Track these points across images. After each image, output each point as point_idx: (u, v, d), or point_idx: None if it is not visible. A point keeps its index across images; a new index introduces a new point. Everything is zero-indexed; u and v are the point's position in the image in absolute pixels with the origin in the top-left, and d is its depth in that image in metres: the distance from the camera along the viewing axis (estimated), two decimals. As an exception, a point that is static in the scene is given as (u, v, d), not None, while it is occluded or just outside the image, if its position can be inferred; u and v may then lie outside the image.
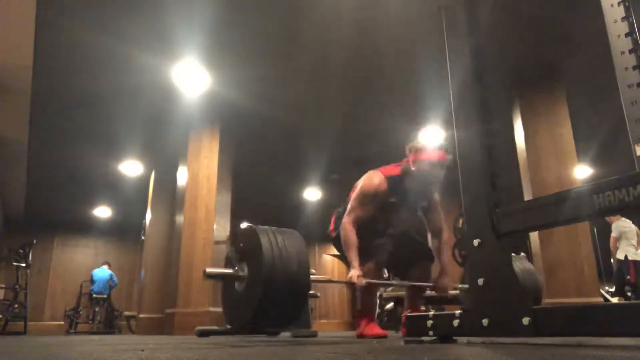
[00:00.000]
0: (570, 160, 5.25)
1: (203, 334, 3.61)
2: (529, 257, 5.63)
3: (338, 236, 2.97)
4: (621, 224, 6.23)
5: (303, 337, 3.22)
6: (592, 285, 4.91)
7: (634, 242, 6.15)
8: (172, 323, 5.75)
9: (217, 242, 6.02)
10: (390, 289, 5.85)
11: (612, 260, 6.52)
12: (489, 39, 1.48)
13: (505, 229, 1.43)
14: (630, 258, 6.06)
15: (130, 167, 8.48)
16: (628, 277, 6.03)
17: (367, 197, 2.76)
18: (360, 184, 2.83)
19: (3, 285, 8.98)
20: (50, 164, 8.23)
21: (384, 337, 2.67)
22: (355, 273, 2.59)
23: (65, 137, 7.30)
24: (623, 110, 1.19)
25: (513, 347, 1.37)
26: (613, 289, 6.74)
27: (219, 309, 5.12)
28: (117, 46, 5.03)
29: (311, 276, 2.22)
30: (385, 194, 2.76)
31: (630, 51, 1.21)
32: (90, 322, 10.13)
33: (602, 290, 6.29)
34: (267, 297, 2.00)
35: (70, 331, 9.89)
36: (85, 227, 12.27)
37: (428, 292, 3.03)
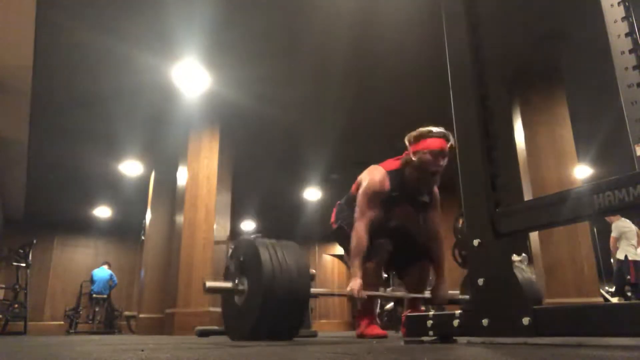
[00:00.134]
0: (570, 160, 5.25)
1: (203, 334, 3.62)
2: (529, 257, 5.63)
3: (339, 228, 2.95)
4: (621, 224, 6.23)
5: (303, 337, 3.22)
6: (592, 285, 4.91)
7: (634, 242, 6.15)
8: (172, 323, 5.75)
9: (217, 242, 6.02)
10: (390, 288, 5.85)
11: (612, 260, 6.52)
12: (489, 39, 1.49)
13: (505, 229, 1.43)
14: (630, 258, 6.06)
15: (130, 167, 8.49)
16: (628, 277, 6.04)
17: (373, 196, 2.67)
18: (364, 183, 2.73)
19: (3, 285, 8.97)
20: (50, 164, 8.23)
21: (384, 337, 2.66)
22: (356, 285, 2.53)
23: (65, 137, 7.30)
24: (623, 110, 1.19)
25: (513, 347, 1.37)
26: (613, 289, 6.74)
27: (219, 309, 5.12)
28: (117, 46, 5.03)
29: (311, 289, 2.22)
30: (389, 189, 2.69)
31: (630, 51, 1.21)
32: (90, 322, 10.14)
33: (602, 290, 6.29)
34: (267, 310, 2.00)
35: (70, 331, 9.90)
36: (85, 227, 12.28)
37: (427, 293, 3.02)
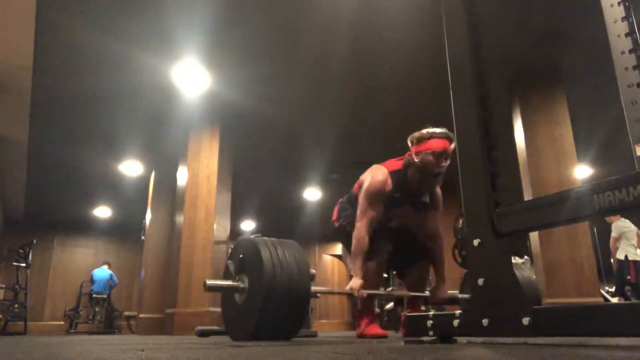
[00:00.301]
0: (570, 160, 5.25)
1: (203, 334, 3.62)
2: (530, 258, 5.63)
3: (341, 226, 2.96)
4: (621, 224, 6.23)
5: (303, 337, 3.22)
6: (592, 285, 4.91)
7: (634, 242, 6.15)
8: (172, 323, 5.75)
9: (217, 242, 6.02)
10: (390, 288, 5.86)
11: (612, 260, 6.52)
12: (489, 39, 1.49)
13: (505, 229, 1.43)
14: (630, 258, 6.06)
15: (130, 167, 8.49)
16: (628, 277, 6.04)
17: (375, 196, 2.67)
18: (366, 183, 2.73)
19: (3, 285, 8.99)
20: (50, 164, 8.23)
21: (384, 337, 2.66)
22: (356, 284, 2.54)
23: (65, 137, 7.30)
24: (623, 110, 1.19)
25: (513, 347, 1.37)
26: (613, 289, 6.75)
27: (219, 309, 5.12)
28: (117, 46, 5.03)
29: (312, 287, 2.22)
30: (391, 190, 2.69)
31: (630, 51, 1.21)
32: (90, 322, 10.14)
33: (602, 290, 6.29)
34: (268, 308, 2.00)
35: (70, 331, 9.90)
36: (85, 227, 12.28)
37: (427, 293, 3.02)
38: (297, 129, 7.15)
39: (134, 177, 8.82)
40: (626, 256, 6.08)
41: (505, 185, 1.53)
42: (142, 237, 8.42)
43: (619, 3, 1.25)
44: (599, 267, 6.72)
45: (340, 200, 3.10)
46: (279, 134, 7.33)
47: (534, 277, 4.52)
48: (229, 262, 2.33)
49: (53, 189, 9.70)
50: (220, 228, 6.17)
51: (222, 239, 6.16)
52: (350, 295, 2.64)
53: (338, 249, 13.88)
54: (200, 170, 6.21)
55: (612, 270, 6.49)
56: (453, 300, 3.16)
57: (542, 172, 5.23)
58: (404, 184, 2.71)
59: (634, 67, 1.19)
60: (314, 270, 2.58)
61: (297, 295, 2.08)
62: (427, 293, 2.94)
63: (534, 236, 5.25)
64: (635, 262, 6.05)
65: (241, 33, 4.97)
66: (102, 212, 11.52)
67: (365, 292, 2.55)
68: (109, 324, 10.28)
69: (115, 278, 10.83)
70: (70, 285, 11.70)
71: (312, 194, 10.24)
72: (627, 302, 4.74)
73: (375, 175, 2.72)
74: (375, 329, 2.78)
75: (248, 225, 12.81)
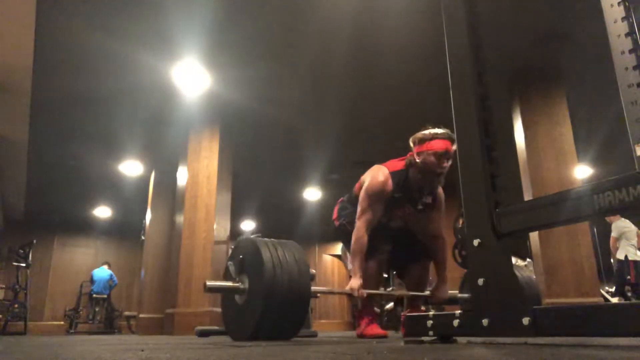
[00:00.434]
0: (570, 160, 5.25)
1: (203, 334, 3.62)
2: (531, 259, 5.63)
3: (341, 225, 2.96)
4: (621, 224, 6.23)
5: (303, 337, 3.22)
6: (592, 285, 4.91)
7: (634, 242, 6.16)
8: (172, 323, 5.75)
9: (217, 242, 6.02)
10: (390, 288, 5.86)
11: (612, 260, 6.53)
12: (489, 39, 1.48)
13: (505, 229, 1.43)
14: (630, 258, 6.06)
15: (130, 167, 8.49)
16: (628, 277, 6.04)
17: (375, 196, 2.67)
18: (367, 183, 2.73)
19: (3, 285, 8.99)
20: (50, 164, 8.24)
21: (384, 337, 2.66)
22: (356, 284, 2.54)
23: (65, 137, 7.30)
24: (623, 111, 1.19)
25: (513, 347, 1.37)
26: (613, 289, 6.75)
27: (219, 309, 5.13)
28: (117, 46, 5.03)
29: (312, 288, 2.22)
30: (391, 190, 2.69)
31: (630, 51, 1.21)
32: (90, 322, 10.15)
33: (602, 290, 6.29)
34: (268, 308, 2.00)
35: (70, 331, 9.90)
36: (85, 227, 12.28)
37: (428, 292, 3.02)
38: (297, 129, 7.15)
39: (134, 177, 8.82)
40: (626, 256, 6.08)
41: (505, 185, 1.53)
42: (142, 237, 8.42)
43: (619, 3, 1.25)
44: (599, 267, 6.72)
45: (341, 199, 3.10)
46: (279, 134, 7.33)
47: (534, 277, 4.52)
48: (230, 262, 2.33)
49: (53, 189, 9.70)
50: (220, 228, 6.17)
51: (222, 239, 6.16)
52: (350, 295, 2.64)
53: (338, 249, 13.87)
54: (200, 170, 6.21)
55: (612, 270, 6.50)
56: (453, 300, 3.17)
57: (542, 172, 5.23)
58: (406, 184, 2.71)
59: (634, 67, 1.19)
60: (314, 271, 2.57)
61: (297, 295, 2.08)
62: (427, 293, 2.94)
63: (534, 236, 5.25)
64: (635, 262, 6.06)
65: (241, 33, 4.97)
66: (102, 212, 11.53)
67: (365, 292, 2.56)
68: (109, 324, 10.29)
69: (115, 278, 10.83)
70: (70, 285, 11.70)
71: (312, 194, 10.24)
72: (627, 302, 4.74)
73: (376, 175, 2.72)
74: (375, 329, 2.78)
75: (248, 225, 12.80)
